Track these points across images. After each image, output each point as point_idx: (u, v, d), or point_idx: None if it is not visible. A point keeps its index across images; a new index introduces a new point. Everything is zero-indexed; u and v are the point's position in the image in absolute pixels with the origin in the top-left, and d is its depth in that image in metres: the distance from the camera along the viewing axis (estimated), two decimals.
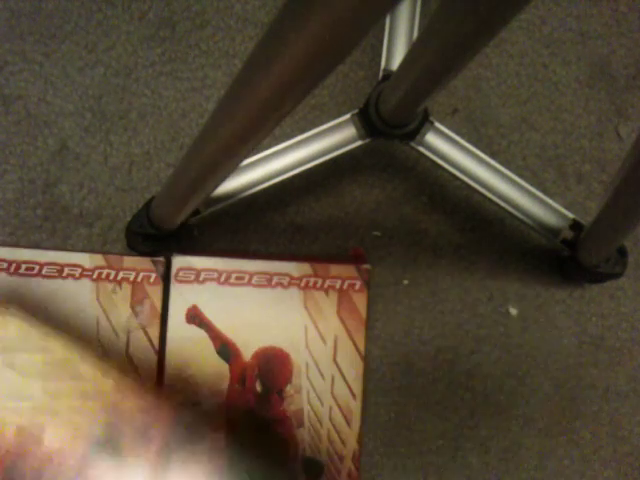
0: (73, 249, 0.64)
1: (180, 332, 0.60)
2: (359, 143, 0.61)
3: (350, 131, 0.61)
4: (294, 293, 0.61)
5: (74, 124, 0.66)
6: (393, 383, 0.67)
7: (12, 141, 0.65)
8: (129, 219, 0.62)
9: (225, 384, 0.60)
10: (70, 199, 0.65)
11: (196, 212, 0.60)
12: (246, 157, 0.57)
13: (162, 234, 0.61)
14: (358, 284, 0.62)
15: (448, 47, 0.43)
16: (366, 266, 0.62)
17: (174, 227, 0.60)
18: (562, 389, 0.68)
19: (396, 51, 0.61)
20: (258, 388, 0.61)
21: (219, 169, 0.46)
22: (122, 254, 0.61)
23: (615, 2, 0.72)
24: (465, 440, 0.67)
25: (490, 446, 0.67)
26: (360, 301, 0.62)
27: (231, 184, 0.60)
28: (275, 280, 0.61)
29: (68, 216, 0.65)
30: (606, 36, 0.72)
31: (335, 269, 0.62)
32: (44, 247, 0.64)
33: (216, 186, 0.54)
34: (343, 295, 0.62)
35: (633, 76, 0.72)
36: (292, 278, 0.61)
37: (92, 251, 0.62)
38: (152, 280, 0.60)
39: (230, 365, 0.61)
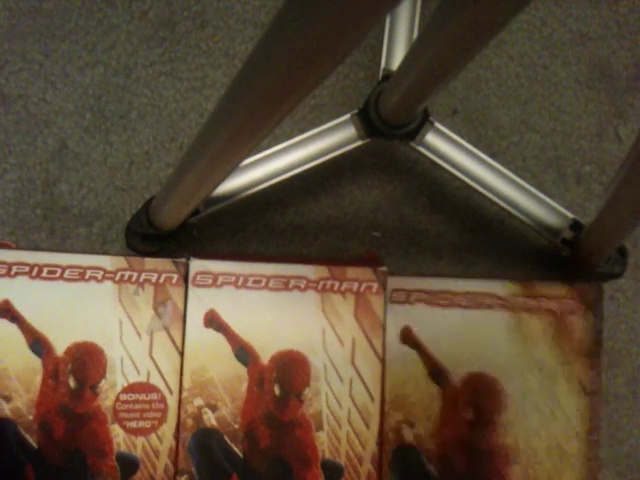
0: (73, 249, 0.64)
1: (198, 336, 0.60)
2: (359, 143, 0.61)
3: (350, 131, 0.61)
4: (311, 296, 0.61)
5: (74, 124, 0.66)
6: None
7: (12, 140, 0.65)
8: (128, 219, 0.62)
9: (243, 387, 0.60)
10: (69, 199, 0.65)
11: (196, 212, 0.60)
12: (246, 157, 0.57)
13: (162, 234, 0.61)
14: (375, 286, 0.62)
15: (448, 47, 0.43)
16: (383, 268, 0.62)
17: (174, 227, 0.60)
18: None
19: (396, 51, 0.61)
20: (276, 391, 0.61)
21: (219, 169, 0.46)
22: (143, 256, 0.61)
23: (615, 3, 0.72)
24: None
25: None
26: (377, 303, 0.62)
27: (231, 184, 0.60)
28: (292, 283, 0.61)
29: (67, 216, 0.65)
30: (606, 37, 0.72)
31: (352, 272, 0.62)
32: (65, 250, 0.64)
33: (216, 186, 0.54)
34: (360, 297, 0.61)
35: (633, 78, 0.72)
36: (309, 281, 0.61)
37: (114, 253, 0.62)
38: (174, 281, 0.60)
39: (248, 368, 0.61)
